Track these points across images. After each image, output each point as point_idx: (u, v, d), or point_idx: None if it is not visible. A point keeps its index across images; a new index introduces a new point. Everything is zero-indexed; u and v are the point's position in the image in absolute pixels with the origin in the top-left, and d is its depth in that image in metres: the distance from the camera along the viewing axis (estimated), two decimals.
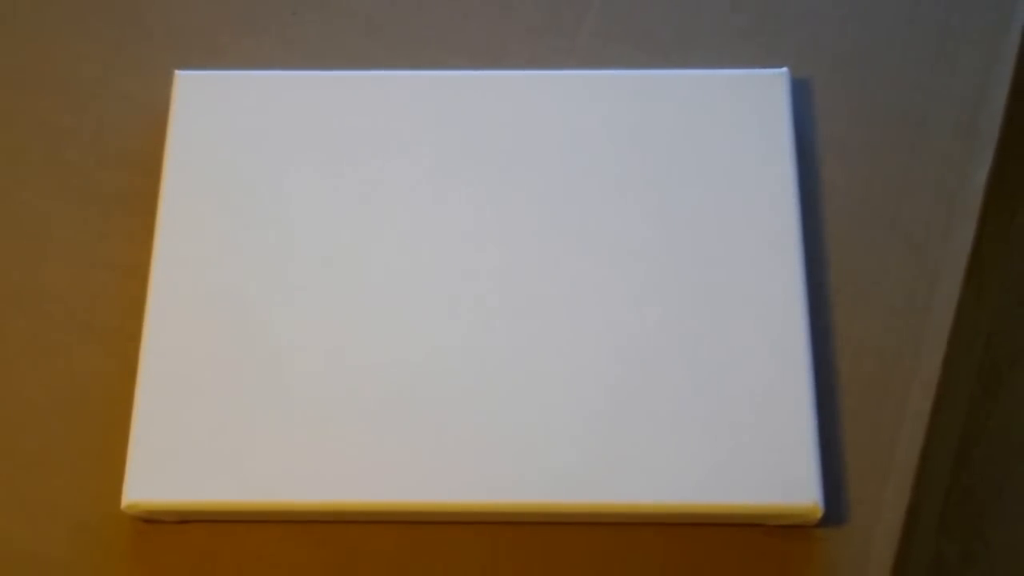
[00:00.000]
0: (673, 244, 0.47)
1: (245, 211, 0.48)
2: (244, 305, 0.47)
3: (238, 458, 0.44)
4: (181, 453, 0.44)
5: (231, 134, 0.49)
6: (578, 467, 0.44)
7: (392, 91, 0.50)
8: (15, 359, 0.49)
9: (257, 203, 0.48)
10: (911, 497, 0.46)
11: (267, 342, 0.46)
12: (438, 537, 0.46)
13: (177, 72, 0.51)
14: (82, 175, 0.52)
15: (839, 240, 0.50)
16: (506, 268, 0.47)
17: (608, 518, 0.45)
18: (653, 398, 0.45)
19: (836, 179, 0.51)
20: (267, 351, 0.46)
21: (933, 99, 0.52)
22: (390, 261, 0.47)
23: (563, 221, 0.48)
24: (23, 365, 0.49)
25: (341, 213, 0.48)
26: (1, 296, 0.50)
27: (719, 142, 0.49)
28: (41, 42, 0.54)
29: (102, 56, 0.54)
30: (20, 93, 0.53)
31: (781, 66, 0.50)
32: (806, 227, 0.49)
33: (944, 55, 0.53)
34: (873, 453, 0.46)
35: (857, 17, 0.54)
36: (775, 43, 0.53)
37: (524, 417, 0.45)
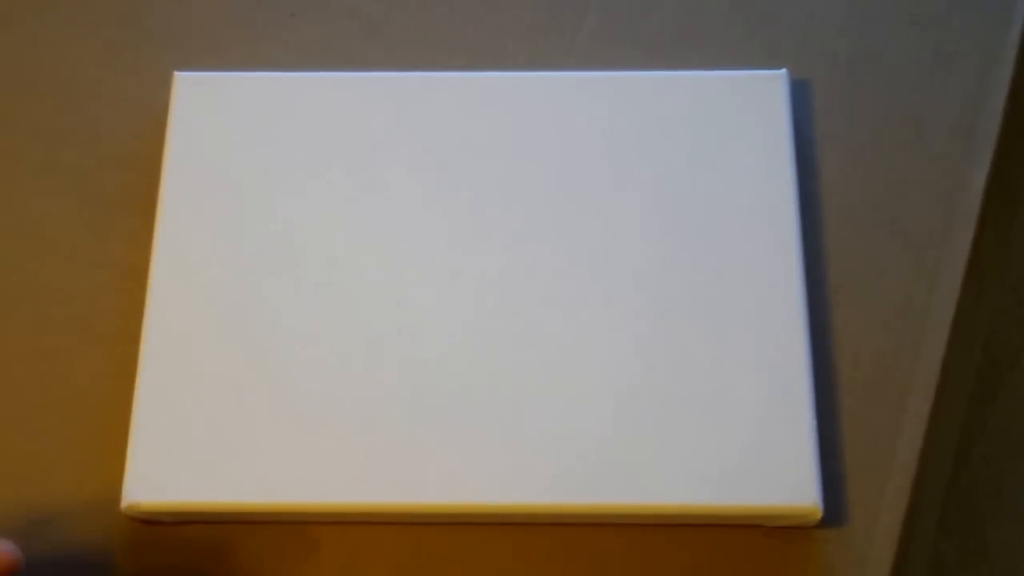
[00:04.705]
0: (672, 245, 0.47)
1: (245, 212, 0.48)
2: (244, 306, 0.47)
3: (237, 460, 0.44)
4: (180, 455, 0.44)
5: (230, 135, 0.49)
6: (578, 469, 0.44)
7: (391, 92, 0.50)
8: (15, 360, 0.49)
9: (256, 204, 0.48)
10: (910, 498, 0.46)
11: (267, 343, 0.46)
12: (438, 538, 0.46)
13: (176, 73, 0.51)
14: (82, 176, 0.52)
15: (838, 241, 0.50)
16: (505, 269, 0.47)
17: (608, 519, 0.45)
18: (653, 400, 0.45)
19: (835, 179, 0.51)
20: (267, 352, 0.46)
21: (932, 100, 0.52)
22: (391, 262, 0.47)
23: (563, 222, 0.48)
24: (23, 366, 0.49)
25: (341, 214, 0.48)
26: (1, 297, 0.50)
27: (719, 142, 0.49)
28: (41, 43, 0.54)
29: (102, 57, 0.54)
30: (20, 94, 0.53)
31: (780, 67, 0.50)
32: (805, 228, 0.49)
33: (943, 56, 0.53)
34: (872, 454, 0.47)
35: (856, 18, 0.54)
36: (774, 44, 0.53)
37: (522, 419, 0.45)
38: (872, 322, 0.48)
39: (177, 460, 0.44)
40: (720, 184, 0.48)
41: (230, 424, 0.45)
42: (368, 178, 0.49)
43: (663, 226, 0.48)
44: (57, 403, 0.48)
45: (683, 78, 0.50)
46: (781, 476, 0.44)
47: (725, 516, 0.44)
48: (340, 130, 0.49)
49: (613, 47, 0.54)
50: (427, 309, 0.46)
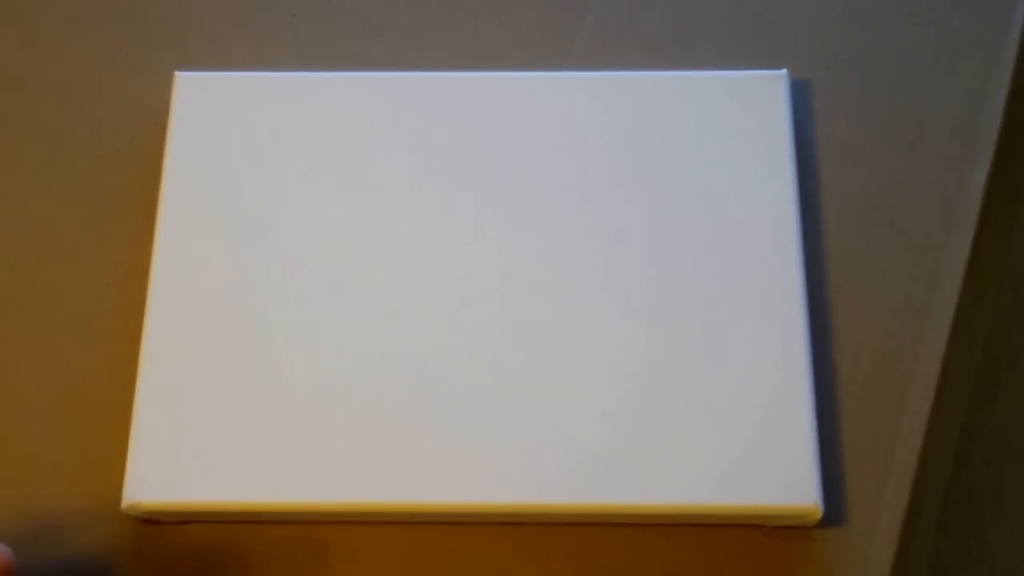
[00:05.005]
0: (673, 246, 0.47)
1: (245, 212, 0.48)
2: (244, 306, 0.47)
3: (238, 459, 0.44)
4: (181, 454, 0.44)
5: (231, 135, 0.49)
6: (578, 469, 0.44)
7: (392, 92, 0.50)
8: (15, 359, 0.49)
9: (257, 204, 0.48)
10: (910, 498, 0.46)
11: (267, 343, 0.46)
12: (438, 538, 0.46)
13: (177, 73, 0.51)
14: (82, 176, 0.52)
15: (838, 241, 0.50)
16: (506, 269, 0.47)
17: (608, 519, 0.45)
18: (653, 399, 0.45)
19: (835, 180, 0.51)
20: (267, 352, 0.46)
21: (932, 100, 0.52)
22: (391, 262, 0.47)
23: (563, 222, 0.48)
24: (23, 365, 0.49)
25: (341, 214, 0.48)
26: (1, 296, 0.50)
27: (719, 143, 0.49)
28: (41, 43, 0.54)
29: (102, 57, 0.54)
30: (20, 94, 0.53)
31: (781, 67, 0.50)
32: (805, 228, 0.49)
33: (943, 56, 0.53)
34: (872, 454, 0.47)
35: (856, 18, 0.54)
36: (775, 44, 0.53)
37: (523, 419, 0.45)
38: (872, 322, 0.48)
39: (178, 460, 0.44)
40: (720, 184, 0.48)
41: (231, 424, 0.45)
42: (369, 178, 0.49)
43: (663, 226, 0.48)
44: (57, 403, 0.48)
45: (683, 78, 0.50)
46: (781, 476, 0.44)
47: (725, 516, 0.44)
48: (341, 130, 0.49)
49: (613, 47, 0.54)
50: (428, 309, 0.46)
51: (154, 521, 0.46)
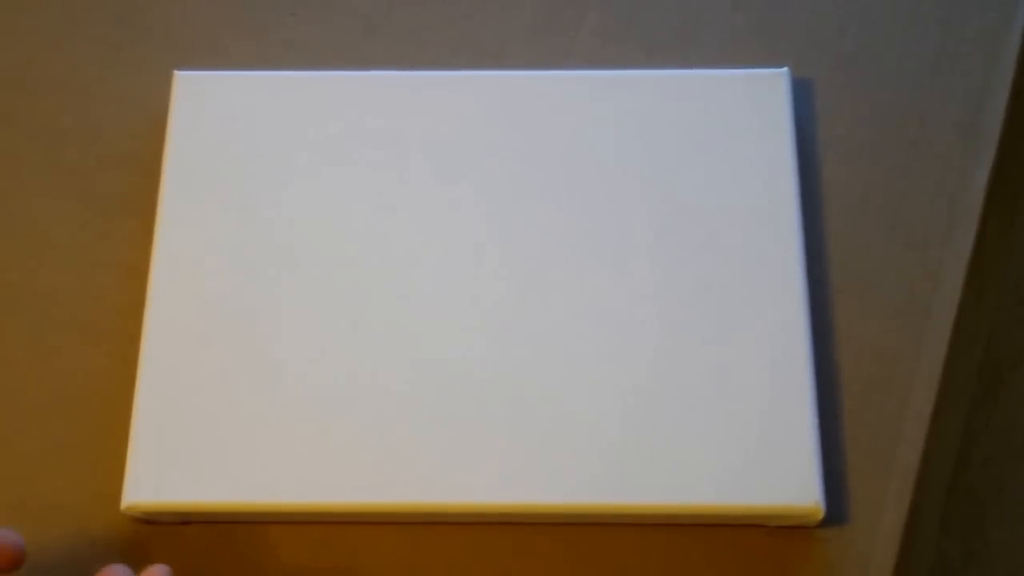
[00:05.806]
0: (674, 244, 0.47)
1: (245, 212, 0.48)
2: (244, 306, 0.47)
3: (237, 459, 0.44)
4: (181, 454, 0.44)
5: (231, 134, 0.49)
6: (580, 469, 0.44)
7: (392, 91, 0.50)
8: (15, 359, 0.49)
9: (257, 204, 0.48)
10: (912, 497, 0.46)
11: (267, 343, 0.46)
12: (439, 538, 0.46)
13: (177, 72, 0.51)
14: (82, 176, 0.52)
15: (840, 240, 0.50)
16: (507, 268, 0.47)
17: (610, 519, 0.45)
18: (655, 399, 0.45)
19: (837, 179, 0.51)
20: (267, 352, 0.46)
21: (934, 99, 0.52)
22: (391, 262, 0.47)
23: (564, 221, 0.48)
24: (23, 365, 0.49)
25: (341, 214, 0.48)
26: (1, 296, 0.50)
27: (720, 142, 0.49)
28: (41, 42, 0.54)
29: (102, 56, 0.54)
30: (20, 94, 0.53)
31: (782, 66, 0.50)
32: (807, 227, 0.48)
33: (944, 55, 0.53)
34: (874, 453, 0.46)
35: (858, 17, 0.54)
36: (776, 43, 0.53)
37: (524, 420, 0.44)
38: (874, 321, 0.48)
39: (177, 460, 0.44)
40: (722, 183, 0.48)
41: (230, 424, 0.45)
42: (368, 177, 0.49)
43: (665, 226, 0.47)
44: (57, 403, 0.48)
45: (684, 77, 0.50)
46: (783, 476, 0.44)
47: (727, 516, 0.44)
48: (340, 129, 0.49)
49: (614, 46, 0.54)
50: (428, 308, 0.46)
51: (154, 521, 0.46)
